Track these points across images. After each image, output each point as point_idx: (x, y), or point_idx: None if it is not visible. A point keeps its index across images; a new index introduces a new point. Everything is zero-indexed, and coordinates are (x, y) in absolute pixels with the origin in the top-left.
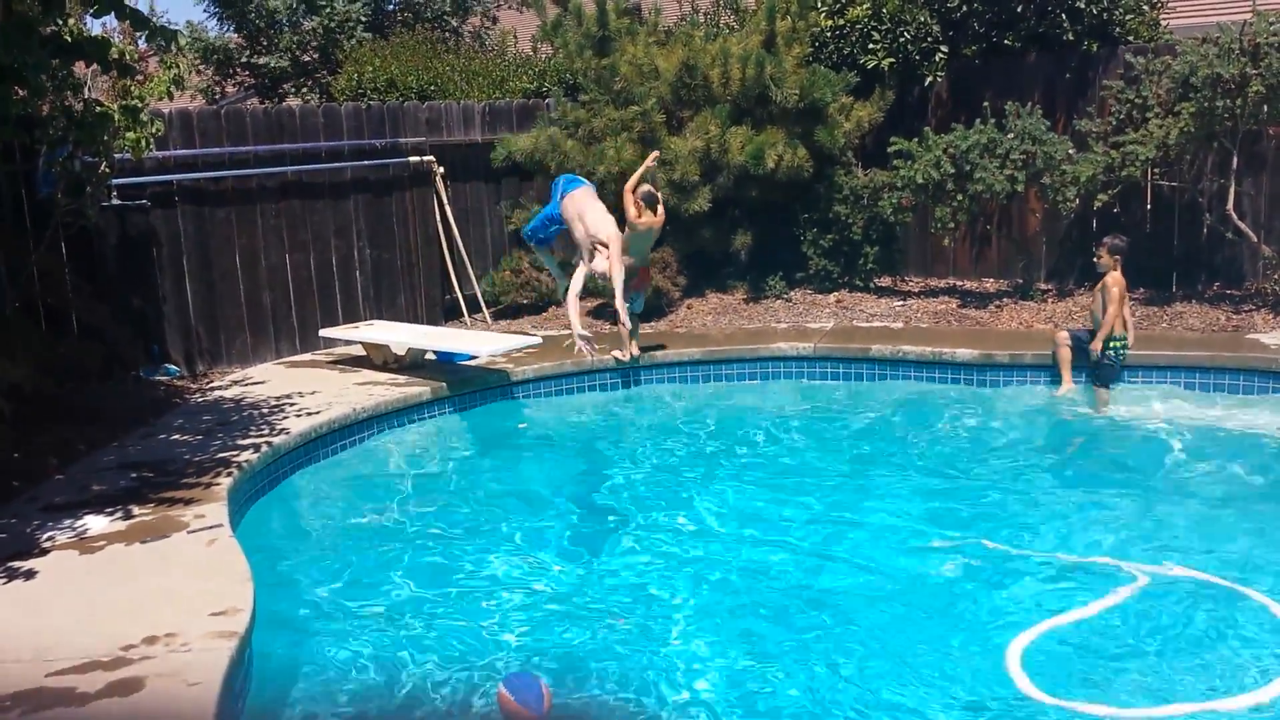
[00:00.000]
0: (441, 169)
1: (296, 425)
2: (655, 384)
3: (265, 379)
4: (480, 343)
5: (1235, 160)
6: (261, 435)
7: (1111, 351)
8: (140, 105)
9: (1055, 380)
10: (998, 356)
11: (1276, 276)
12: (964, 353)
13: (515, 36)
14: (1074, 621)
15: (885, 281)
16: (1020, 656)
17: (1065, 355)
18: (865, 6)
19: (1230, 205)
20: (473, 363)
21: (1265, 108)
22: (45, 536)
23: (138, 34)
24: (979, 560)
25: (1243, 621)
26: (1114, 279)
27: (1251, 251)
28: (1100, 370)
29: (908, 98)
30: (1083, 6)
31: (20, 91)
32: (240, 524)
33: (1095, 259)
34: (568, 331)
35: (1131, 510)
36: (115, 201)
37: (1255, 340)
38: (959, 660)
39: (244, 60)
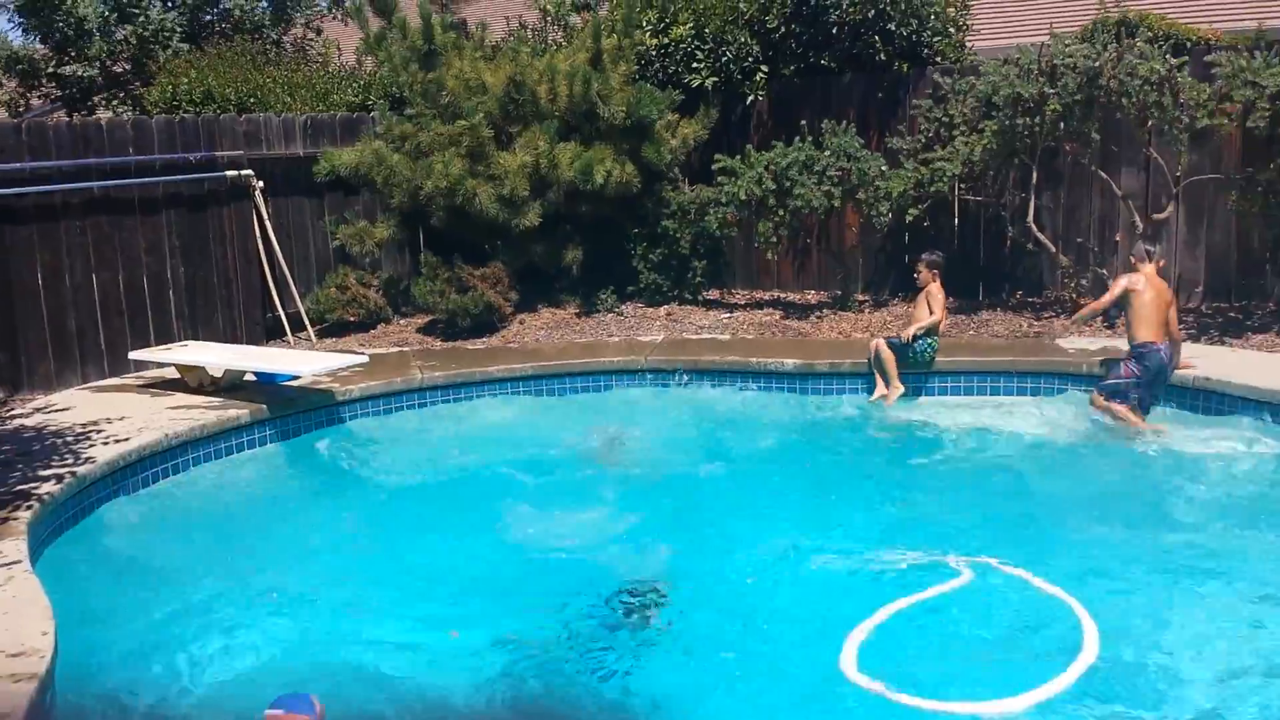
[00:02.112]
0: (261, 183)
1: (104, 454)
2: (488, 399)
3: (71, 405)
4: (303, 362)
5: (1035, 175)
6: (65, 465)
7: (922, 345)
8: None
9: (872, 387)
10: (819, 365)
11: (1074, 285)
12: (789, 362)
13: (340, 48)
14: (895, 614)
15: (713, 294)
16: (856, 652)
17: (891, 358)
18: (688, 26)
19: (1031, 218)
20: (296, 383)
21: (1061, 125)
22: None
23: None
24: (805, 561)
25: (1043, 615)
26: (937, 288)
27: (1051, 262)
28: (904, 356)
29: (731, 116)
30: (894, 29)
31: None
32: (42, 560)
33: (915, 275)
34: (396, 349)
35: (943, 508)
36: None
37: (1055, 345)
38: (793, 659)
39: (50, 71)
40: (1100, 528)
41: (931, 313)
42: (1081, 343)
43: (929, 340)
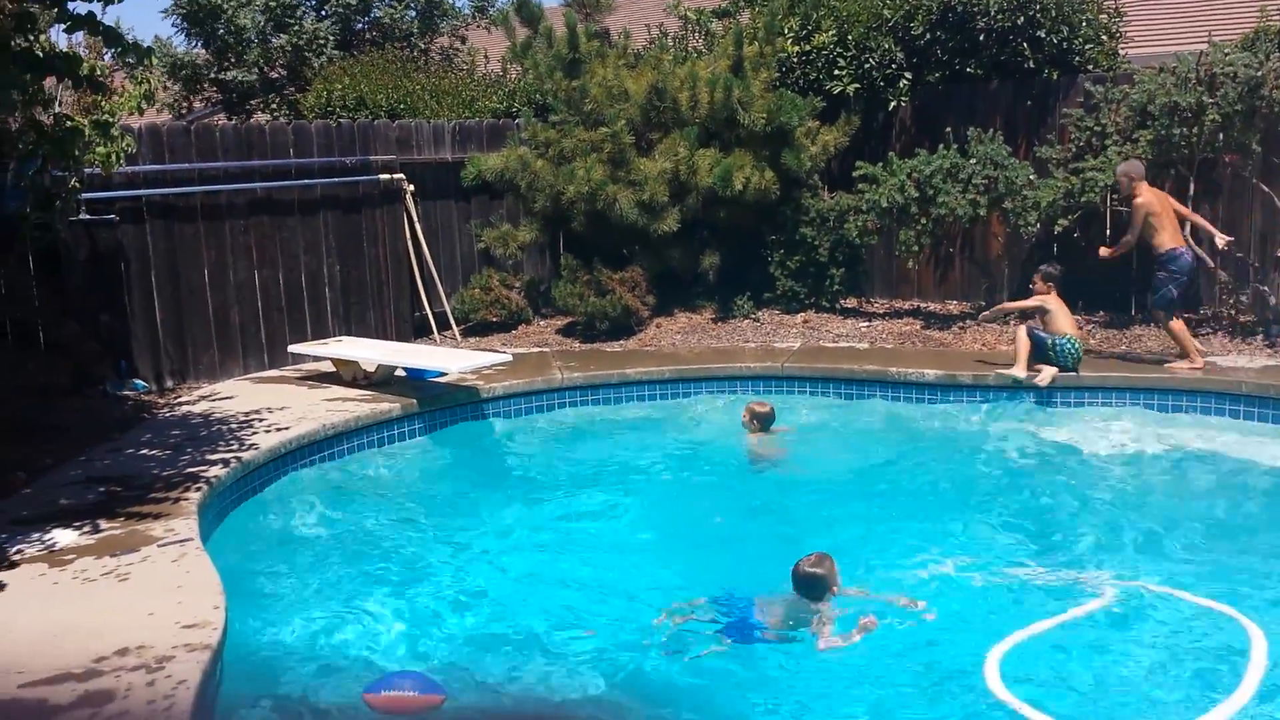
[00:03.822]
0: (411, 187)
1: (266, 441)
2: (626, 400)
3: (234, 394)
4: (450, 359)
5: (1192, 187)
6: (230, 450)
7: (1061, 343)
8: (111, 120)
9: (1016, 396)
10: (961, 377)
11: (1232, 301)
12: (930, 373)
13: (486, 56)
14: (1048, 633)
15: (851, 303)
16: (999, 667)
17: (1025, 345)
18: (831, 33)
19: (1187, 231)
20: (442, 379)
21: (1220, 136)
22: (14, 549)
23: (108, 50)
24: (958, 575)
25: (1212, 638)
26: (1054, 300)
27: (1208, 276)
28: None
29: (873, 123)
30: (1043, 36)
31: None
32: (210, 538)
33: (1030, 286)
34: (537, 349)
35: (1095, 527)
36: (84, 216)
37: (1212, 363)
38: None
39: (211, 76)
40: (1255, 552)
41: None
42: (1240, 361)
43: (1068, 339)
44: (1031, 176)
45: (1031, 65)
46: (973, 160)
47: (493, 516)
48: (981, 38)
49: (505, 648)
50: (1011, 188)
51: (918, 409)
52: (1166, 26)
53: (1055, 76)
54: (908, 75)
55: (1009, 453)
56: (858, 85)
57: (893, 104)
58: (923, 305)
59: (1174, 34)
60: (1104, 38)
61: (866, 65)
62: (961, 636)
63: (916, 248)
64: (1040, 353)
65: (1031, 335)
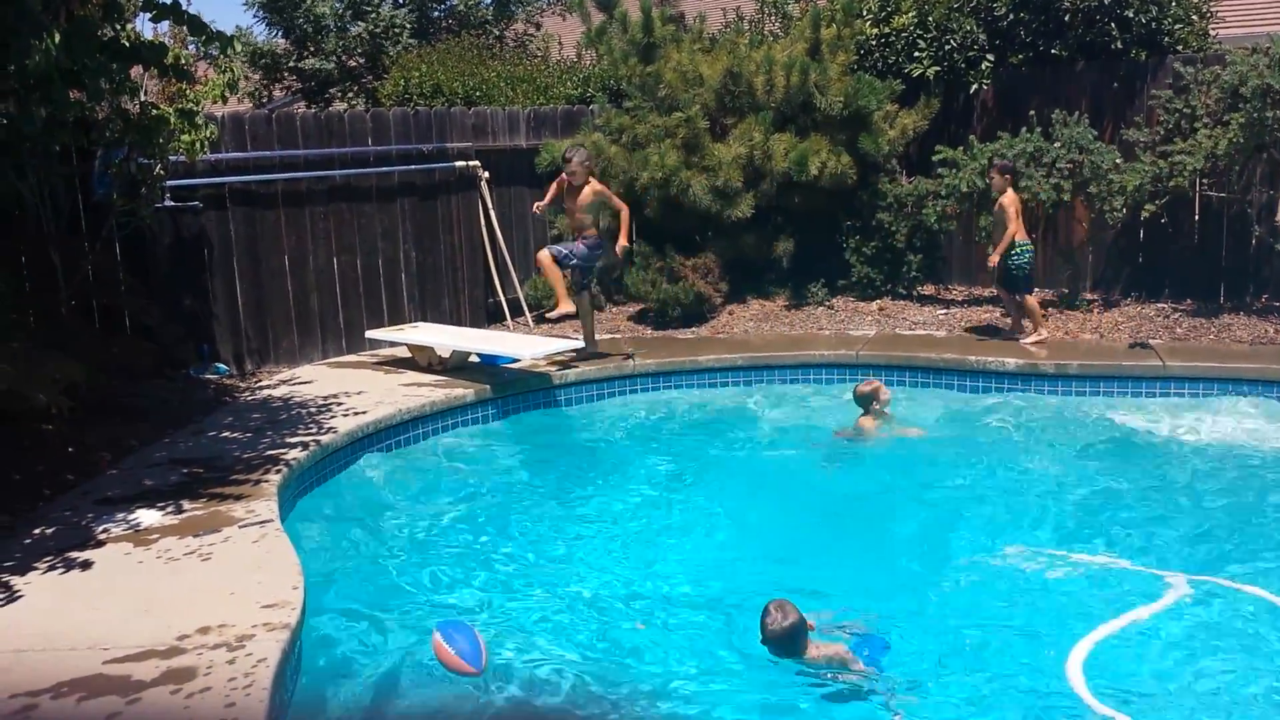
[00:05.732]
0: (487, 174)
1: (344, 424)
2: (699, 388)
3: (312, 379)
4: (523, 346)
5: None
6: (310, 434)
7: (1017, 258)
8: (196, 109)
9: (1098, 385)
10: (1043, 366)
11: None
12: (1010, 362)
13: (560, 42)
14: (1127, 632)
15: (929, 290)
16: (1083, 661)
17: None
18: (911, 15)
19: (1279, 217)
20: (515, 366)
21: None
22: (100, 529)
23: (192, 39)
24: (1036, 567)
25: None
26: (1009, 199)
27: None
28: (1009, 280)
29: (953, 106)
30: (1132, 16)
31: (77, 94)
32: (289, 519)
33: (988, 181)
34: (609, 336)
35: (1180, 521)
36: (168, 203)
37: None
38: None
39: (291, 64)
40: None
41: (1006, 227)
42: None
43: (1025, 247)
44: (1118, 160)
45: (1119, 46)
46: (1057, 144)
47: (564, 503)
48: (1067, 18)
49: (570, 634)
50: (1097, 172)
51: (998, 398)
52: (1259, 6)
53: (1144, 57)
54: (990, 57)
55: (1091, 443)
56: (938, 67)
57: (974, 86)
58: None
59: (1267, 14)
60: (1194, 17)
61: (947, 47)
62: (1040, 631)
63: None
64: (1015, 286)
65: (1018, 278)
